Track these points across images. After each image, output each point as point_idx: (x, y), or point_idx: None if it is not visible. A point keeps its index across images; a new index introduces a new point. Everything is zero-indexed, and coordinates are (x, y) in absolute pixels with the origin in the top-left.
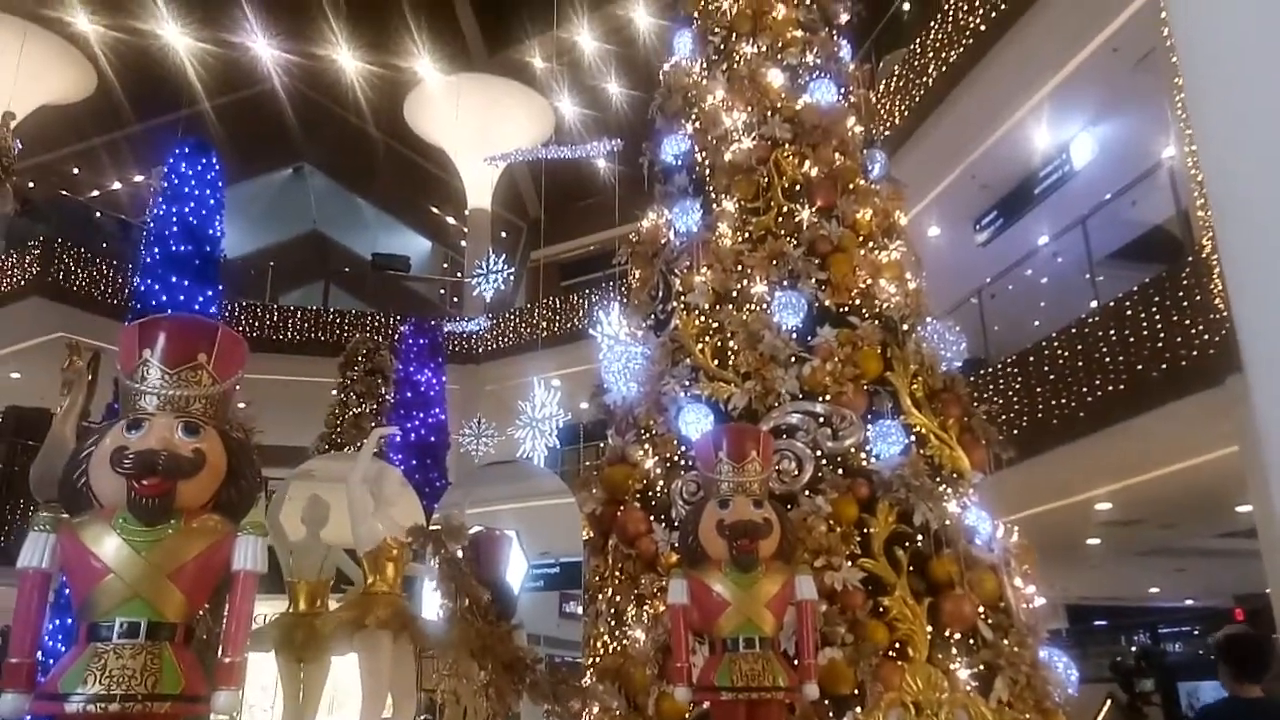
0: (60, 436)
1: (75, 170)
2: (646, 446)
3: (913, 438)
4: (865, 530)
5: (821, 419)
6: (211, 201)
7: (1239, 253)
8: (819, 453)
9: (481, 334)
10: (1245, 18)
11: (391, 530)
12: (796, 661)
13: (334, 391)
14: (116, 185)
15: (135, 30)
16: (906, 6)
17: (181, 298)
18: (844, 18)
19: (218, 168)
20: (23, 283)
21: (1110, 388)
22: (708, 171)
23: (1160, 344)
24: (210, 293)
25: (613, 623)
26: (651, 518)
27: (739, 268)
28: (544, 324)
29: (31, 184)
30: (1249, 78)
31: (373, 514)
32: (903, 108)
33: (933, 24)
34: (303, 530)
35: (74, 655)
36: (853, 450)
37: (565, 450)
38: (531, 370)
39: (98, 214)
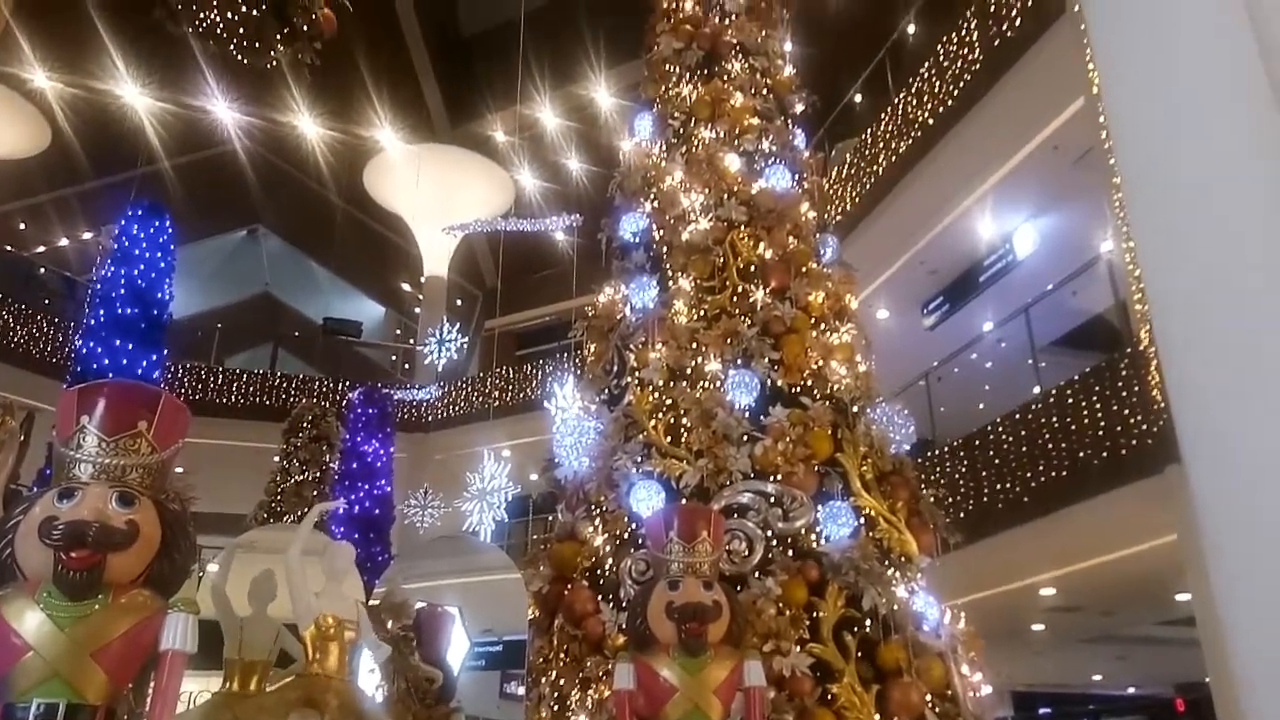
0: None
1: (22, 225)
2: (596, 523)
3: (862, 520)
4: (814, 614)
5: (773, 499)
6: (162, 264)
7: (1177, 348)
8: (770, 533)
9: (432, 402)
10: (1180, 123)
11: (341, 609)
12: None
13: (276, 458)
14: (64, 242)
15: (93, 88)
16: (859, 99)
17: (124, 361)
18: (799, 108)
19: (170, 230)
20: None
21: (1053, 474)
22: (665, 250)
23: (1101, 432)
24: (154, 356)
25: (556, 707)
26: (599, 597)
27: (694, 345)
28: (496, 394)
29: None
30: (1185, 183)
31: (321, 591)
32: (854, 194)
33: (883, 116)
34: (250, 605)
35: None
36: (803, 531)
37: (513, 523)
38: (482, 440)
39: (41, 270)
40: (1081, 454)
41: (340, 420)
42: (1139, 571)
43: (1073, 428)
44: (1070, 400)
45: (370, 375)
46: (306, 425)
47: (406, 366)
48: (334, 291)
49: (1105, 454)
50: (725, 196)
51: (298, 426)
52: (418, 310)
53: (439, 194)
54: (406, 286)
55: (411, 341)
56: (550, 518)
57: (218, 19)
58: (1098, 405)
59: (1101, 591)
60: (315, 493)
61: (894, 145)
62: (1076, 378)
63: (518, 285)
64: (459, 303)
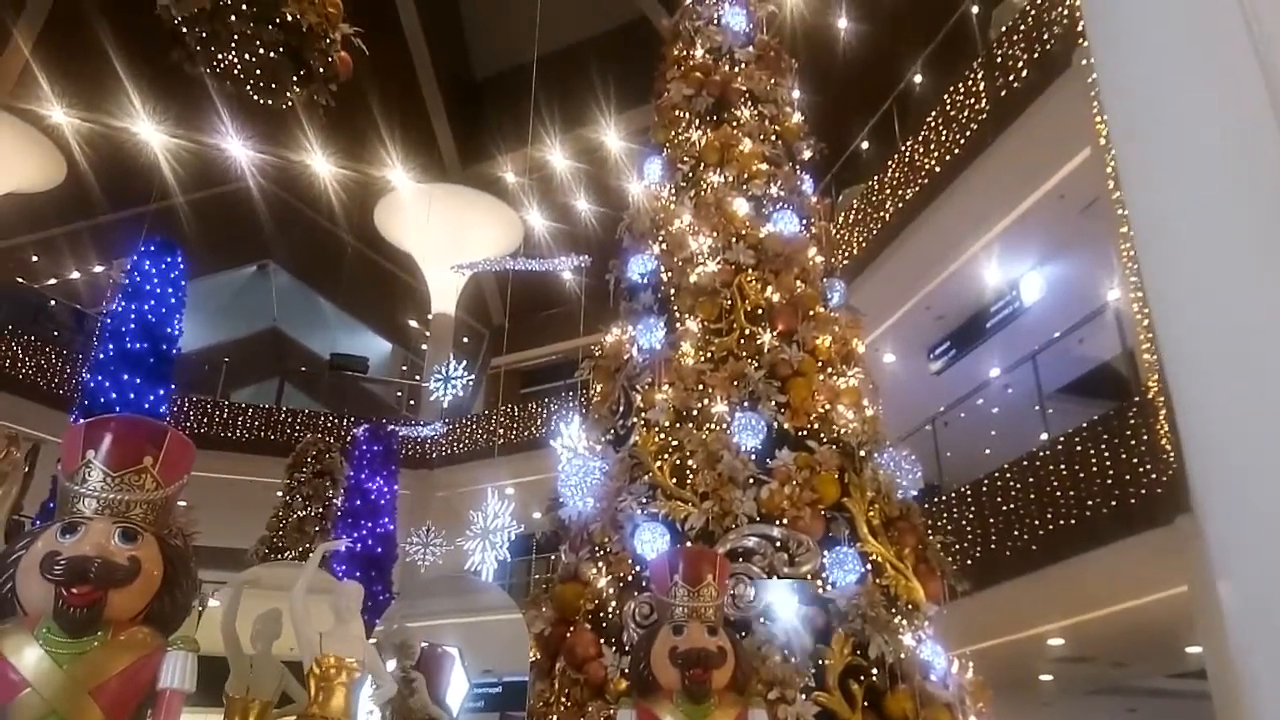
0: None
1: (34, 258)
2: (600, 564)
3: (869, 566)
4: (820, 662)
5: (778, 543)
6: (172, 300)
7: (1189, 400)
8: (775, 578)
9: (436, 439)
10: (1191, 171)
11: (348, 650)
12: None
13: (279, 493)
14: (75, 275)
15: (109, 124)
16: (865, 146)
17: (132, 395)
18: (807, 154)
19: (182, 267)
20: None
21: (1061, 522)
22: (673, 291)
23: (1110, 481)
24: (162, 391)
25: None
26: (602, 641)
27: (700, 387)
28: (501, 431)
29: None
30: (1197, 230)
31: (328, 631)
32: (861, 239)
33: (890, 164)
34: (255, 643)
35: None
36: (809, 577)
37: (516, 562)
38: (485, 478)
39: (52, 302)
40: (1090, 503)
41: (345, 456)
42: (1149, 623)
43: (1081, 476)
44: (1079, 448)
45: (376, 411)
46: (310, 461)
47: (412, 403)
48: (341, 327)
49: (1114, 503)
50: (733, 240)
51: (301, 462)
52: (424, 347)
53: (449, 233)
54: (414, 323)
55: (417, 378)
56: (553, 556)
57: (235, 60)
58: (1106, 454)
59: (1111, 642)
60: (317, 529)
61: (901, 192)
62: (1085, 426)
63: (524, 323)
64: (465, 340)
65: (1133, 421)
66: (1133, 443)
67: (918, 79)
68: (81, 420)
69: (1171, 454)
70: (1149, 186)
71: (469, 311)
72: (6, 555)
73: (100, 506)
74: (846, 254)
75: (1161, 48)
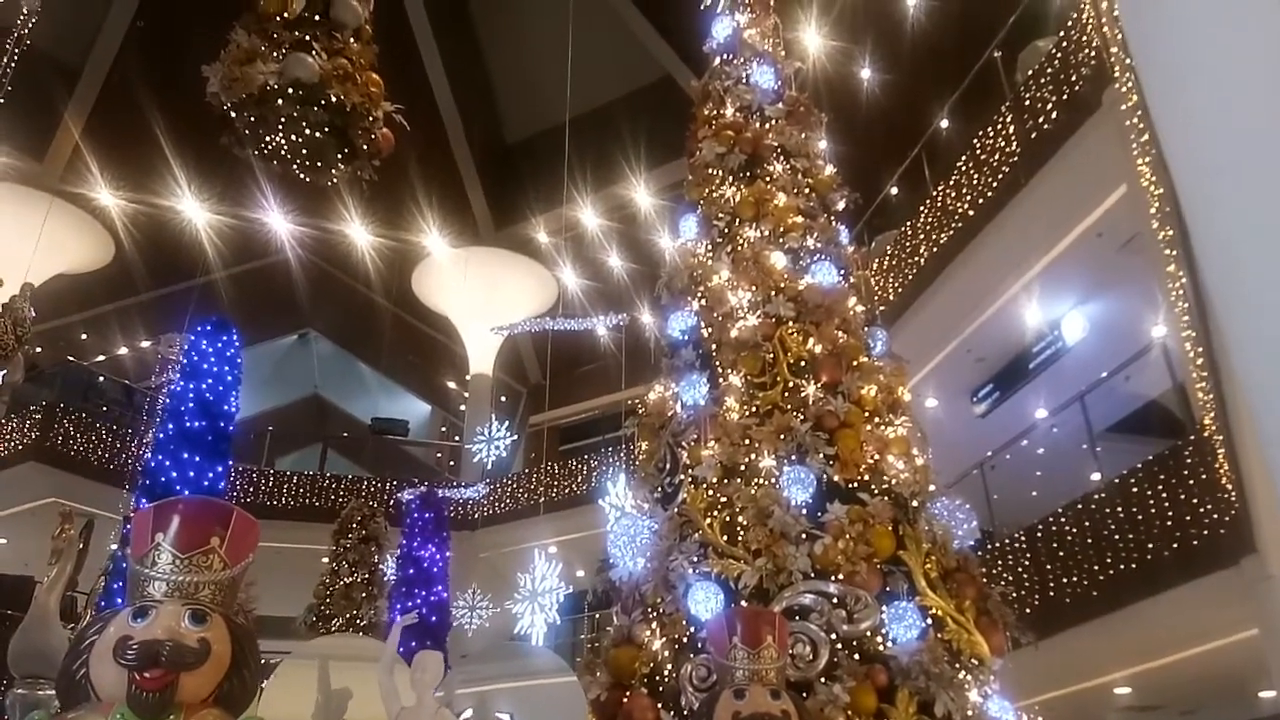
0: (44, 608)
1: (84, 336)
2: (654, 626)
3: (929, 620)
4: None
5: (835, 599)
6: (229, 378)
7: (1253, 441)
8: (834, 636)
9: (478, 499)
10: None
11: None
12: None
13: (325, 559)
14: (123, 351)
15: (154, 204)
16: (895, 191)
17: (192, 474)
18: (840, 205)
19: (237, 345)
20: (20, 447)
21: (1121, 566)
22: (714, 347)
23: (1169, 522)
24: (220, 468)
25: None
26: (660, 705)
27: (746, 442)
28: (542, 489)
29: (39, 349)
30: (1265, 262)
31: (410, 707)
32: (896, 285)
33: (922, 209)
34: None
35: None
36: (869, 634)
37: (569, 619)
38: (528, 537)
39: (100, 378)
40: (1150, 546)
41: (389, 520)
42: (1219, 668)
43: (1139, 518)
44: (1135, 490)
45: (417, 473)
46: (355, 526)
47: (452, 464)
48: (381, 392)
49: (1175, 545)
50: (773, 293)
51: (347, 528)
52: (463, 408)
53: (485, 294)
54: (452, 385)
55: (457, 439)
56: (597, 616)
57: (282, 141)
58: (1164, 494)
59: (1180, 689)
60: (364, 594)
61: (935, 236)
62: (1140, 466)
63: (560, 380)
64: (503, 399)
65: (1189, 460)
66: (1190, 482)
67: (945, 124)
68: (145, 502)
69: (1232, 493)
70: (1213, 217)
71: (506, 371)
72: (80, 641)
73: (170, 589)
74: (882, 300)
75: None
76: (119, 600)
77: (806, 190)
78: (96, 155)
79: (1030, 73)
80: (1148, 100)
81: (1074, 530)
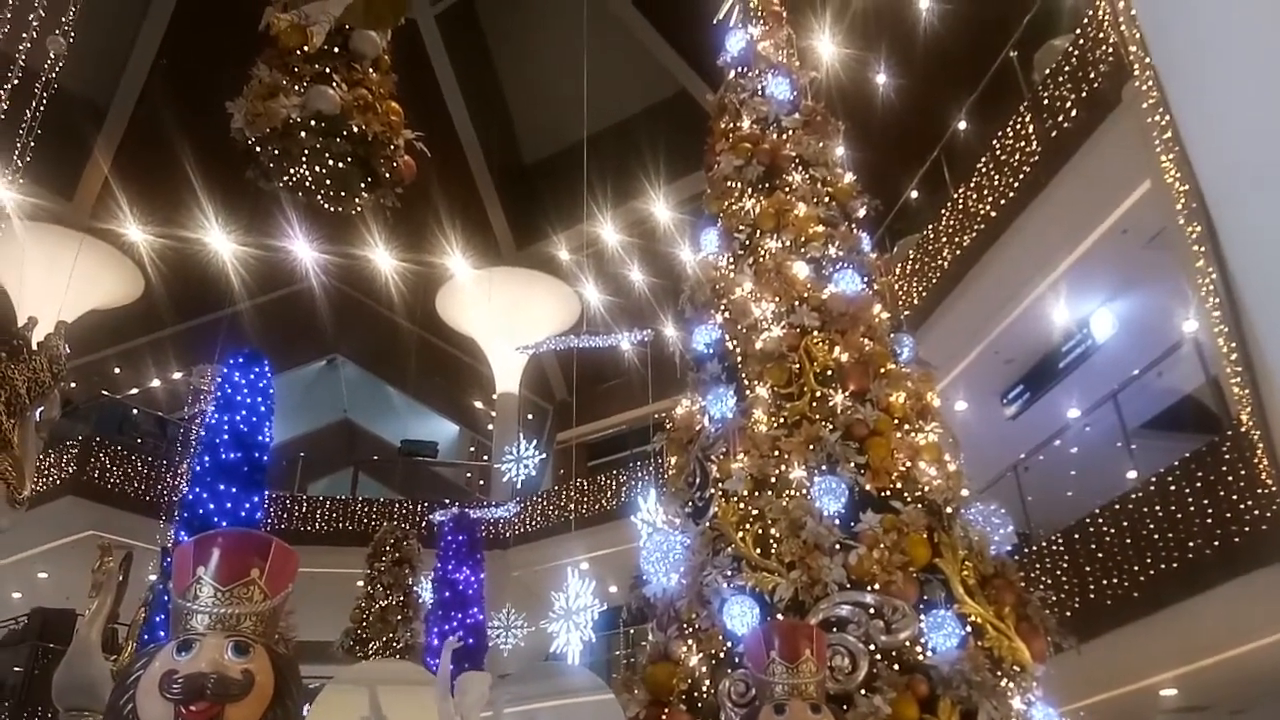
0: (86, 641)
1: (117, 370)
2: (690, 642)
3: (969, 628)
4: None
5: (872, 610)
6: (262, 409)
7: None
8: (872, 647)
9: (509, 518)
10: None
11: None
12: None
13: (360, 583)
14: (155, 383)
15: (182, 238)
16: (914, 195)
17: (229, 505)
18: (861, 212)
19: (269, 376)
20: (58, 482)
21: (1162, 566)
22: (739, 359)
23: (1210, 520)
24: (256, 498)
25: None
26: None
27: (775, 453)
28: (572, 506)
29: (74, 385)
30: None
31: None
32: (919, 289)
33: (944, 212)
34: None
35: None
36: (908, 644)
37: (603, 636)
38: (560, 554)
39: (134, 411)
40: (1191, 544)
41: (422, 541)
42: (1268, 666)
43: (1178, 517)
44: (1173, 488)
45: (447, 494)
46: (388, 549)
47: (482, 483)
48: (410, 414)
49: (1217, 543)
50: (796, 303)
51: (380, 551)
52: (490, 427)
53: (508, 314)
54: (479, 404)
55: (486, 458)
56: (632, 631)
57: (306, 173)
58: (1203, 492)
59: (1228, 689)
60: (400, 617)
61: (957, 239)
62: (1178, 464)
63: (585, 397)
64: (530, 417)
65: (1228, 456)
66: (1229, 479)
67: (962, 126)
68: (185, 535)
69: (1274, 488)
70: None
71: (532, 389)
72: (126, 676)
73: (212, 621)
74: (906, 305)
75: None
76: (161, 632)
77: (826, 199)
78: (124, 192)
79: (1048, 71)
80: (1168, 96)
81: (1112, 531)
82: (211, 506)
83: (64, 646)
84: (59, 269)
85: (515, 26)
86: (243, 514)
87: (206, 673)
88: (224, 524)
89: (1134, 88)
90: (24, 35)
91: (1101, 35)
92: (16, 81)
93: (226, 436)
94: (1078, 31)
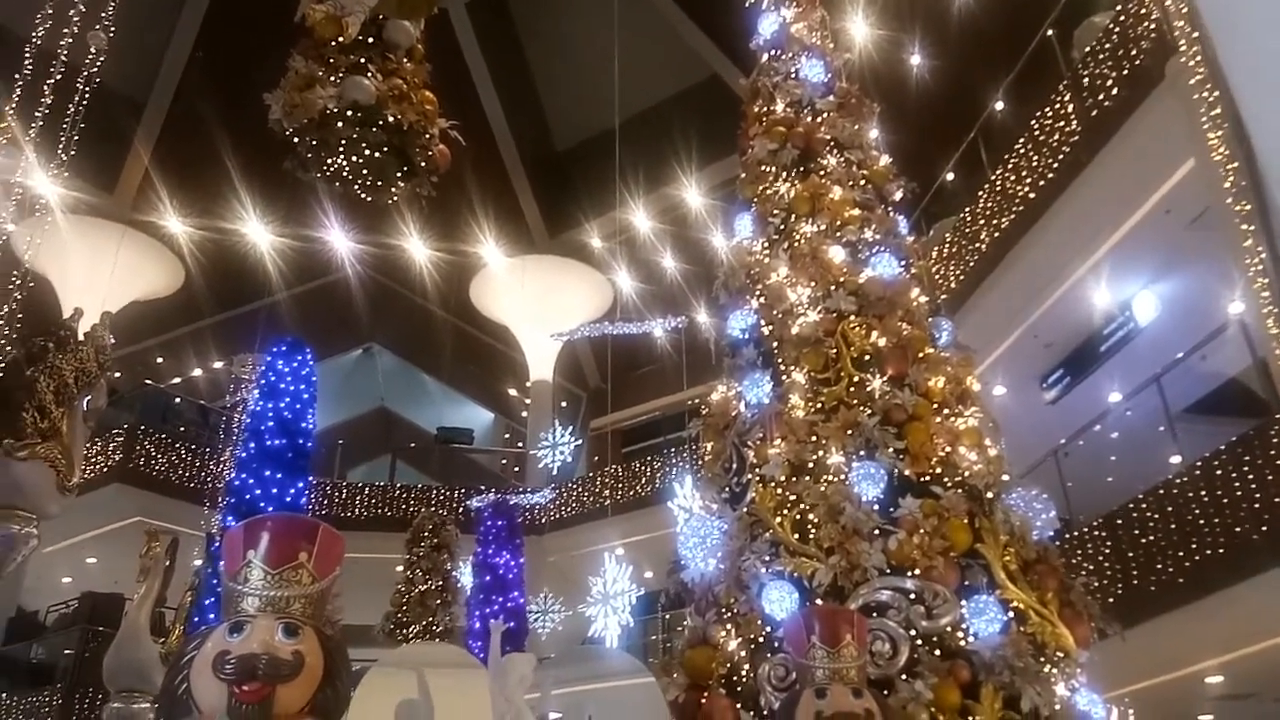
0: (135, 625)
1: (159, 359)
2: (729, 627)
3: (1011, 614)
4: (970, 718)
5: (913, 595)
6: (305, 396)
7: None
8: (913, 632)
9: (544, 504)
10: None
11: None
12: None
13: (399, 568)
14: (197, 372)
15: (221, 229)
16: (950, 177)
17: (274, 490)
18: (898, 195)
19: (311, 364)
20: (105, 469)
21: (1208, 551)
22: (775, 344)
23: (1257, 505)
24: (300, 484)
25: None
26: (739, 705)
27: (813, 439)
28: (607, 492)
29: (118, 374)
30: None
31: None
32: (957, 273)
33: (981, 194)
34: None
35: None
36: (949, 629)
37: (641, 621)
38: (595, 540)
39: (177, 399)
40: (1238, 529)
41: (459, 527)
42: None
43: (1225, 501)
44: (1219, 472)
45: (483, 480)
46: (427, 535)
47: (517, 469)
48: (445, 401)
49: (1265, 528)
50: (833, 288)
51: (419, 536)
52: (525, 414)
53: (541, 301)
54: (513, 392)
55: (521, 445)
56: (668, 616)
57: (344, 163)
58: (1250, 476)
59: (1276, 676)
60: (439, 601)
61: (996, 221)
62: (1224, 448)
63: (619, 383)
64: (564, 404)
65: (1276, 440)
66: (1278, 462)
67: (1000, 106)
68: (233, 520)
69: None
70: None
71: (566, 376)
72: (180, 657)
73: (263, 604)
74: (944, 289)
75: None
76: (211, 615)
77: (862, 182)
78: (164, 184)
79: (1088, 49)
80: (1224, 71)
81: (1156, 516)
82: (258, 492)
83: (113, 630)
84: (101, 261)
85: (545, 14)
86: (288, 499)
87: (258, 653)
88: (270, 509)
89: (1178, 63)
90: (65, 31)
91: (1144, 11)
92: (59, 77)
93: (271, 423)
94: (1119, 8)
